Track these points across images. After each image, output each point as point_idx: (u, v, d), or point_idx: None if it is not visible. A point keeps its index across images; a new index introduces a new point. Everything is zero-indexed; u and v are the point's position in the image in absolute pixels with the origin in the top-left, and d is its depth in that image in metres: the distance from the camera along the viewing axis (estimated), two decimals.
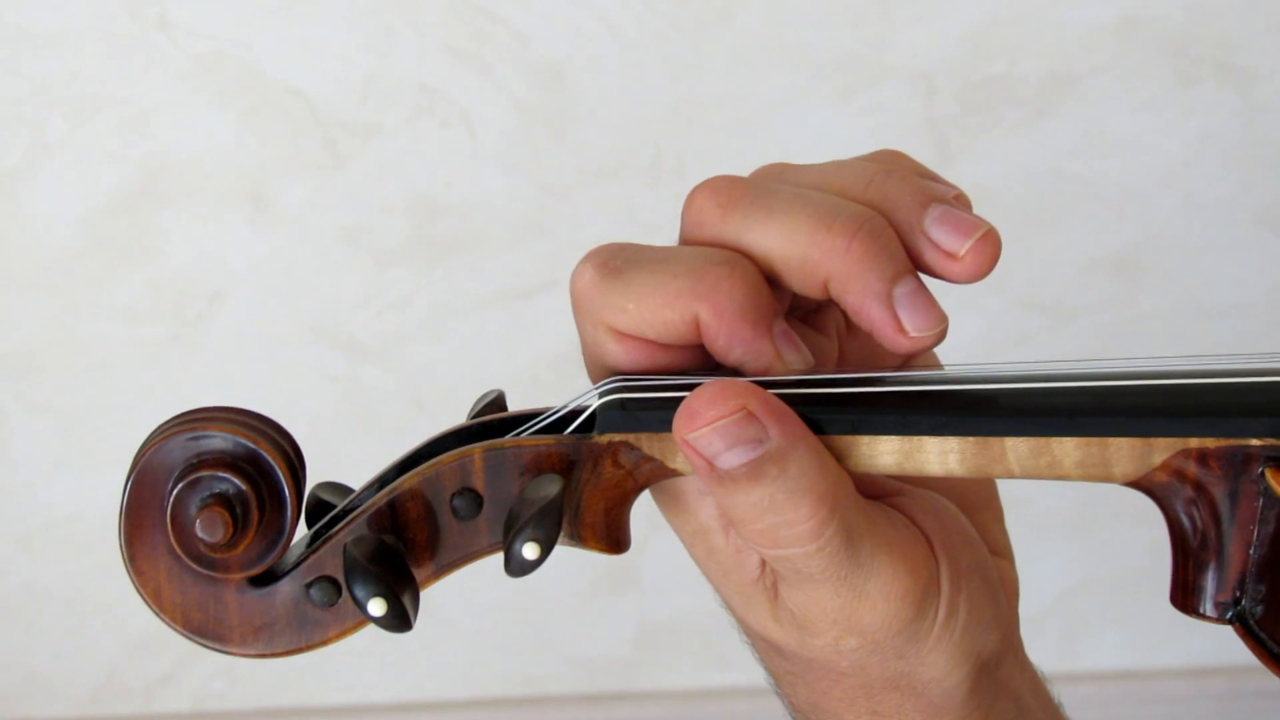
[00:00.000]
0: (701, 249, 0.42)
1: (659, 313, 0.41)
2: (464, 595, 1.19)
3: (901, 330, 0.40)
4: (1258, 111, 1.09)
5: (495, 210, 1.08)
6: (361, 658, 1.21)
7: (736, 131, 1.06)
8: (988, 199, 1.05)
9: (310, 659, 1.21)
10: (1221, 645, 1.26)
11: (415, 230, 1.08)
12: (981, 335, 1.11)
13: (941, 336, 0.41)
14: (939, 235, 0.41)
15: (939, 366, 0.49)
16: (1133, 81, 1.08)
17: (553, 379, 1.10)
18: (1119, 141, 1.10)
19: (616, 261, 0.42)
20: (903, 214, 0.41)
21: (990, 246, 0.41)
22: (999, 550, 0.48)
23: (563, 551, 1.26)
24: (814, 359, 0.45)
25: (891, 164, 0.43)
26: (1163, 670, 1.26)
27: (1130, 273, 1.13)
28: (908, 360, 0.48)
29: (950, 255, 0.41)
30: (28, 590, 1.16)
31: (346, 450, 1.10)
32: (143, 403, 1.10)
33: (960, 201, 0.42)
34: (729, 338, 0.41)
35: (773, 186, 0.42)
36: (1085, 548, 1.22)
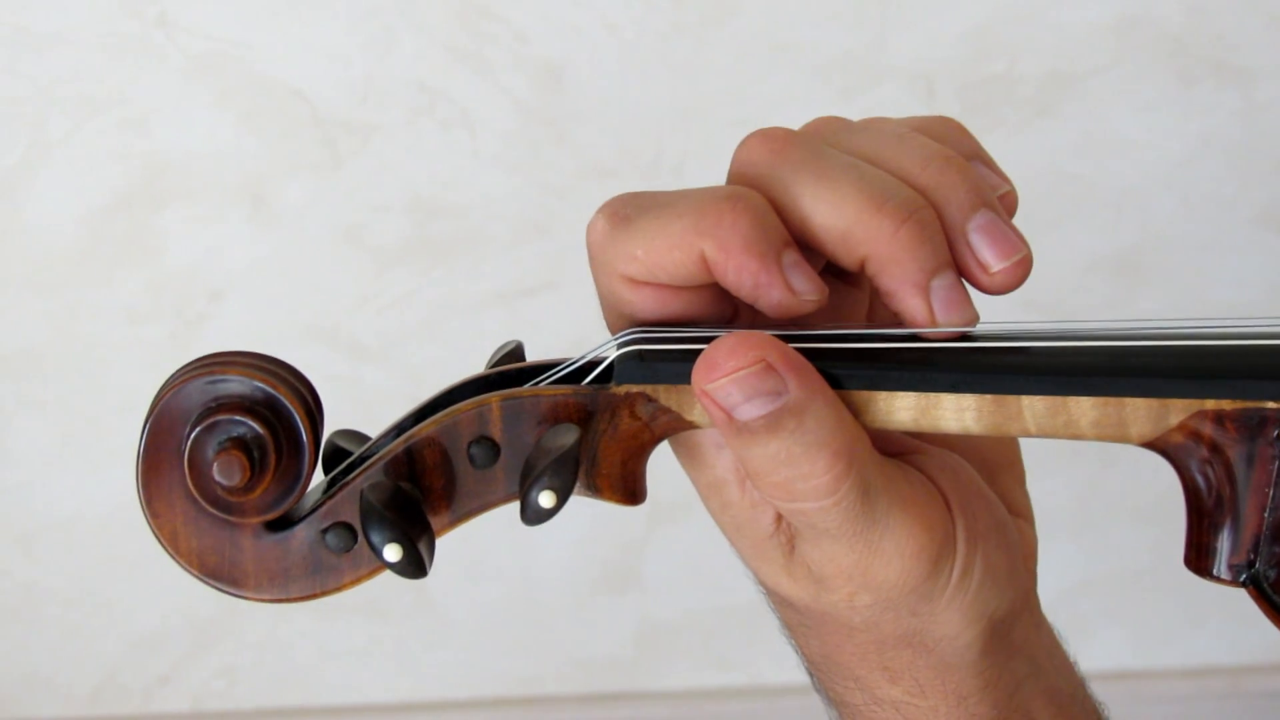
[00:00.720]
0: (706, 188, 0.42)
1: (668, 254, 0.41)
2: (464, 595, 1.19)
3: (932, 321, 0.41)
4: (1258, 111, 1.09)
5: (495, 210, 1.08)
6: (361, 658, 1.21)
7: (736, 131, 1.06)
8: None
9: (310, 659, 1.21)
10: (1222, 645, 1.26)
11: (415, 230, 1.08)
12: None
13: (971, 326, 0.41)
14: (979, 244, 0.41)
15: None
16: (1133, 81, 1.08)
17: None
18: (1119, 141, 1.10)
19: (626, 210, 0.42)
20: (952, 209, 0.41)
21: (1022, 270, 0.41)
22: (1019, 511, 0.48)
23: (563, 552, 1.26)
24: (842, 313, 0.46)
25: (948, 141, 0.43)
26: (1163, 670, 1.26)
27: (1130, 273, 1.13)
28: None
29: (983, 267, 0.41)
30: (28, 590, 1.16)
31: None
32: (143, 403, 1.10)
33: (1008, 200, 0.42)
34: (737, 272, 0.40)
35: (827, 151, 0.42)
36: (1085, 548, 1.22)
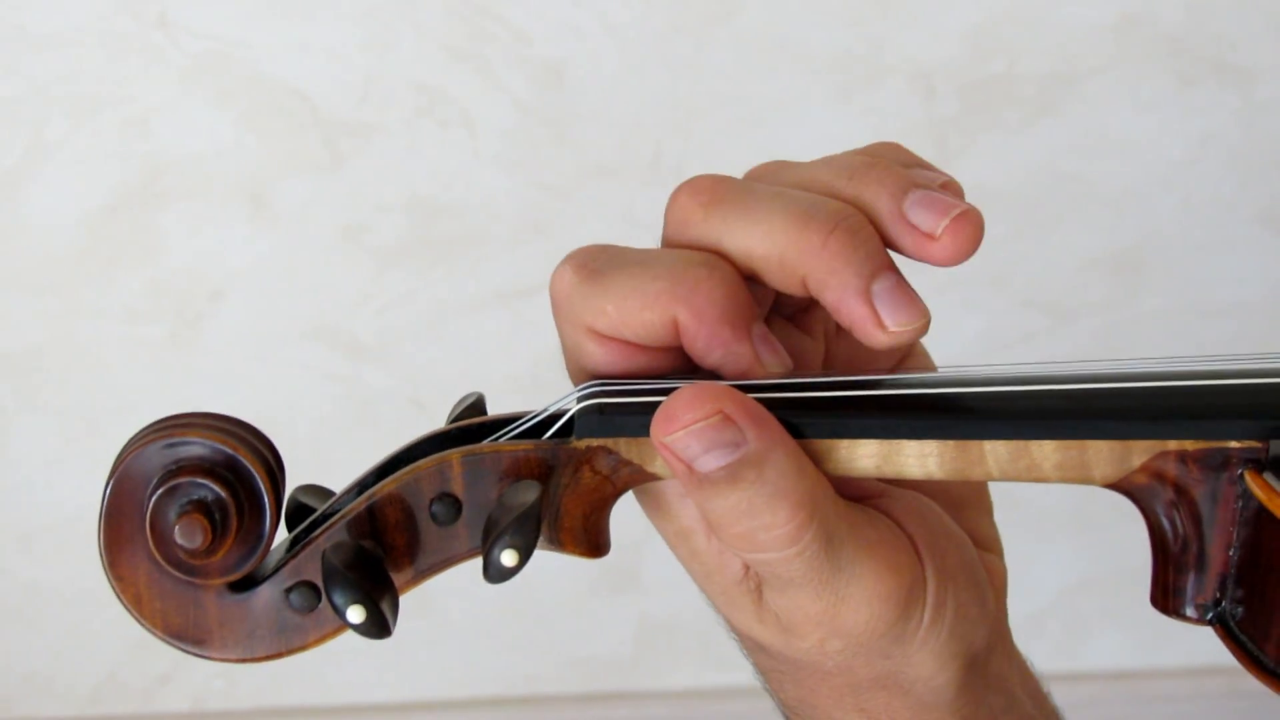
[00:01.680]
0: (681, 251, 0.42)
1: (638, 314, 0.41)
2: (464, 595, 1.19)
3: (881, 325, 0.40)
4: (1258, 111, 1.09)
5: (495, 210, 1.08)
6: (361, 658, 1.21)
7: (736, 131, 1.06)
8: (988, 199, 1.05)
9: (310, 659, 1.21)
10: (1222, 645, 1.26)
11: (415, 230, 1.08)
12: (982, 335, 1.11)
13: (922, 331, 0.41)
14: (916, 217, 0.40)
15: (933, 367, 0.48)
16: (1133, 81, 1.08)
17: (553, 379, 1.09)
18: (1119, 141, 1.10)
19: (596, 263, 0.42)
20: (884, 202, 0.41)
21: (968, 226, 0.40)
22: (987, 545, 0.48)
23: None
24: (799, 360, 0.45)
25: (880, 155, 0.43)
26: (1163, 670, 1.26)
27: (1130, 273, 1.13)
28: (901, 362, 0.48)
29: (928, 236, 0.40)
30: (28, 590, 1.16)
31: (346, 450, 1.10)
32: (143, 403, 1.10)
33: (948, 189, 0.42)
34: (708, 340, 0.40)
35: (753, 186, 0.42)
36: (1085, 547, 1.22)
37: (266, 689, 1.21)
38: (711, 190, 0.42)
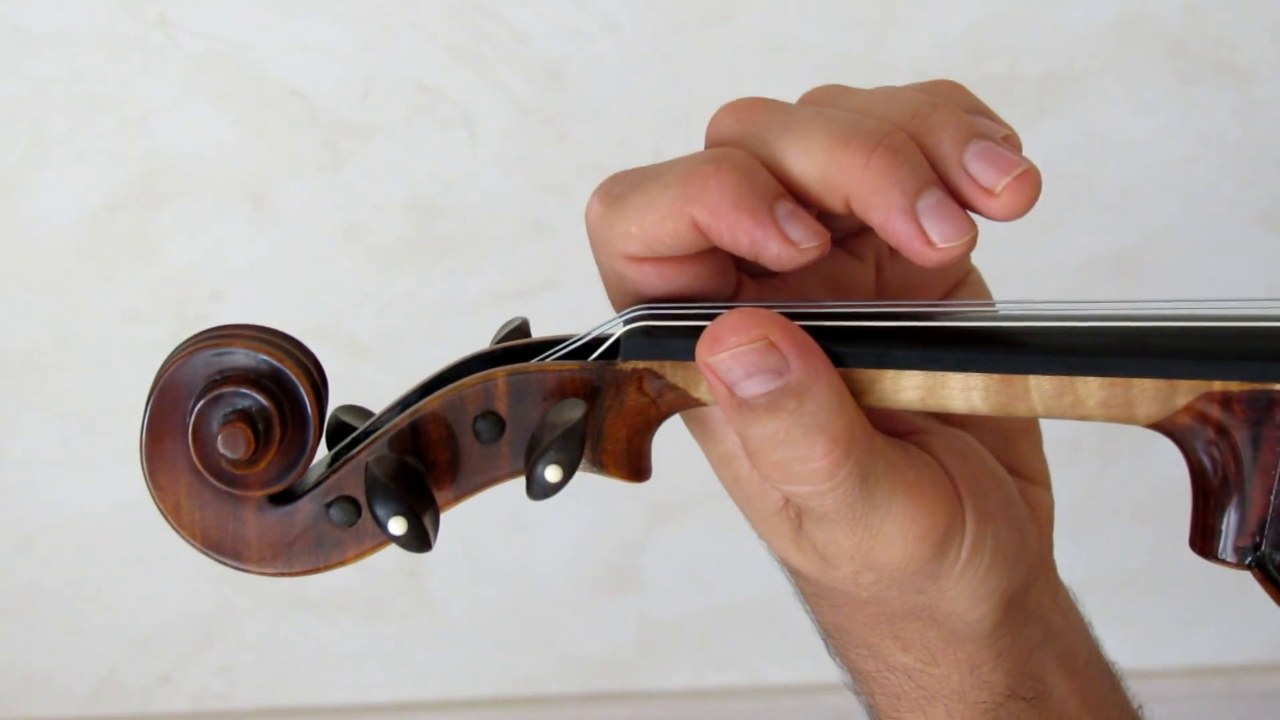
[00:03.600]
0: (691, 154, 0.41)
1: (660, 226, 0.40)
2: (464, 595, 1.19)
3: (929, 243, 0.39)
4: (1258, 111, 1.09)
5: (495, 210, 1.08)
6: (361, 658, 1.21)
7: None
8: None
9: (310, 659, 1.21)
10: (1221, 645, 1.26)
11: (415, 230, 1.08)
12: None
13: (971, 245, 0.40)
14: (977, 170, 0.40)
15: (988, 297, 0.48)
16: (1133, 81, 1.08)
17: None
18: (1119, 141, 1.10)
19: (617, 189, 0.41)
20: (945, 147, 0.40)
21: (1028, 185, 0.39)
22: (1036, 478, 0.48)
23: (563, 551, 1.26)
24: (849, 287, 0.45)
25: (942, 96, 0.42)
26: (1163, 670, 1.26)
27: (1130, 273, 1.13)
28: (953, 291, 0.47)
29: (987, 191, 0.39)
30: (28, 590, 1.16)
31: None
32: (143, 403, 1.10)
33: (1009, 142, 0.41)
34: (731, 231, 0.40)
35: (795, 107, 0.42)
36: (1085, 548, 1.22)
37: (266, 689, 1.21)
38: (750, 108, 0.42)
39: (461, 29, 1.03)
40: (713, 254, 0.42)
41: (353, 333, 1.10)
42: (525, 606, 1.21)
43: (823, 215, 0.42)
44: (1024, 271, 1.10)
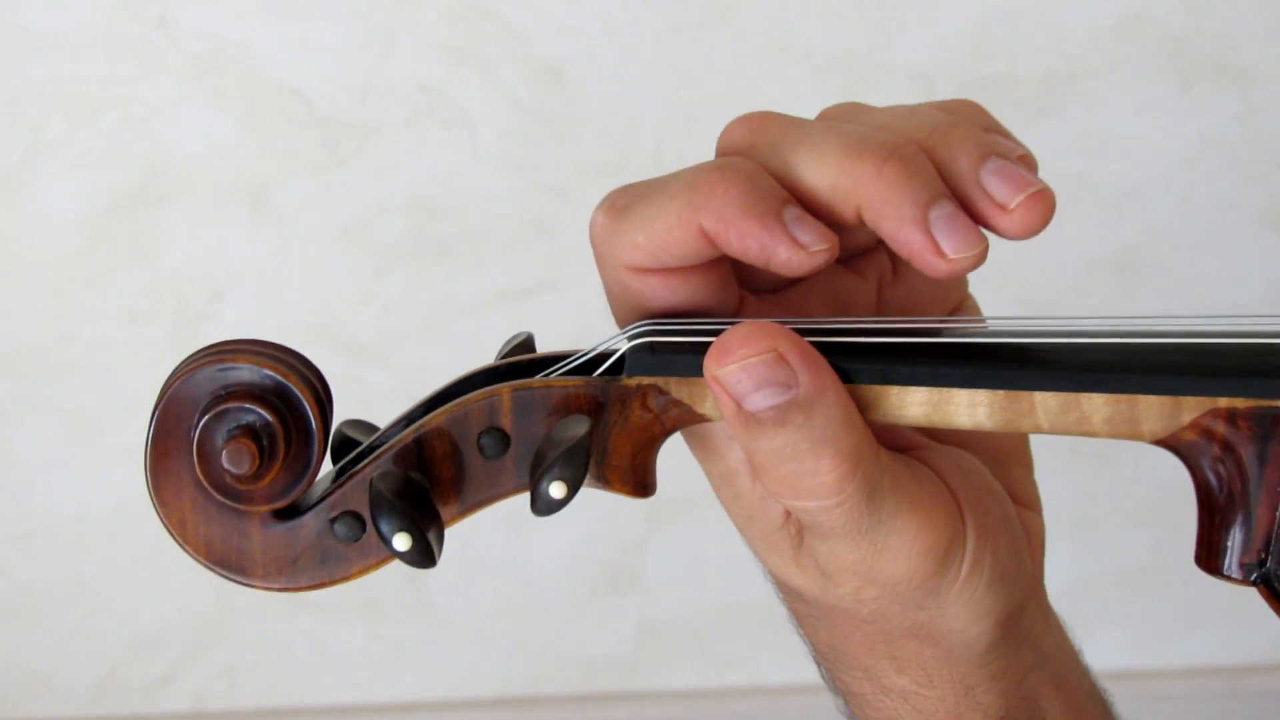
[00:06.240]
0: (697, 164, 0.41)
1: (667, 235, 0.40)
2: (463, 595, 1.19)
3: (940, 254, 0.39)
4: (1258, 111, 1.09)
5: (495, 210, 1.08)
6: (361, 658, 1.21)
7: None
8: None
9: (310, 659, 1.21)
10: (1221, 645, 1.26)
11: (415, 230, 1.08)
12: None
13: (982, 258, 0.40)
14: (992, 185, 0.40)
15: (978, 312, 0.49)
16: (1133, 81, 1.08)
17: None
18: (1119, 141, 1.10)
19: (623, 200, 0.42)
20: (962, 164, 0.40)
21: (1042, 205, 0.40)
22: (1028, 502, 0.49)
23: (564, 552, 1.26)
24: (851, 305, 0.45)
25: (961, 114, 0.42)
26: (1163, 670, 1.26)
27: (1130, 273, 1.13)
28: (953, 312, 0.48)
29: (1001, 207, 0.40)
30: (28, 590, 1.16)
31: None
32: (143, 403, 1.10)
33: (1025, 161, 0.41)
34: (739, 237, 0.40)
35: (807, 120, 0.42)
36: (1085, 548, 1.22)
37: (266, 689, 1.21)
38: (762, 121, 0.42)
39: (461, 29, 1.03)
40: (717, 266, 0.42)
41: (353, 333, 1.10)
42: (525, 606, 1.21)
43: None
44: (1024, 271, 1.10)
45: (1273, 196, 1.12)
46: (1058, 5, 1.05)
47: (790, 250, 0.40)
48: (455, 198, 1.07)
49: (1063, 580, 1.24)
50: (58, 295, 1.08)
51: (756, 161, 0.41)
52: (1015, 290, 1.11)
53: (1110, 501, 1.19)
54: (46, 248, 1.06)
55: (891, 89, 1.06)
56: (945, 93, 1.07)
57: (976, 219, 0.40)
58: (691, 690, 1.24)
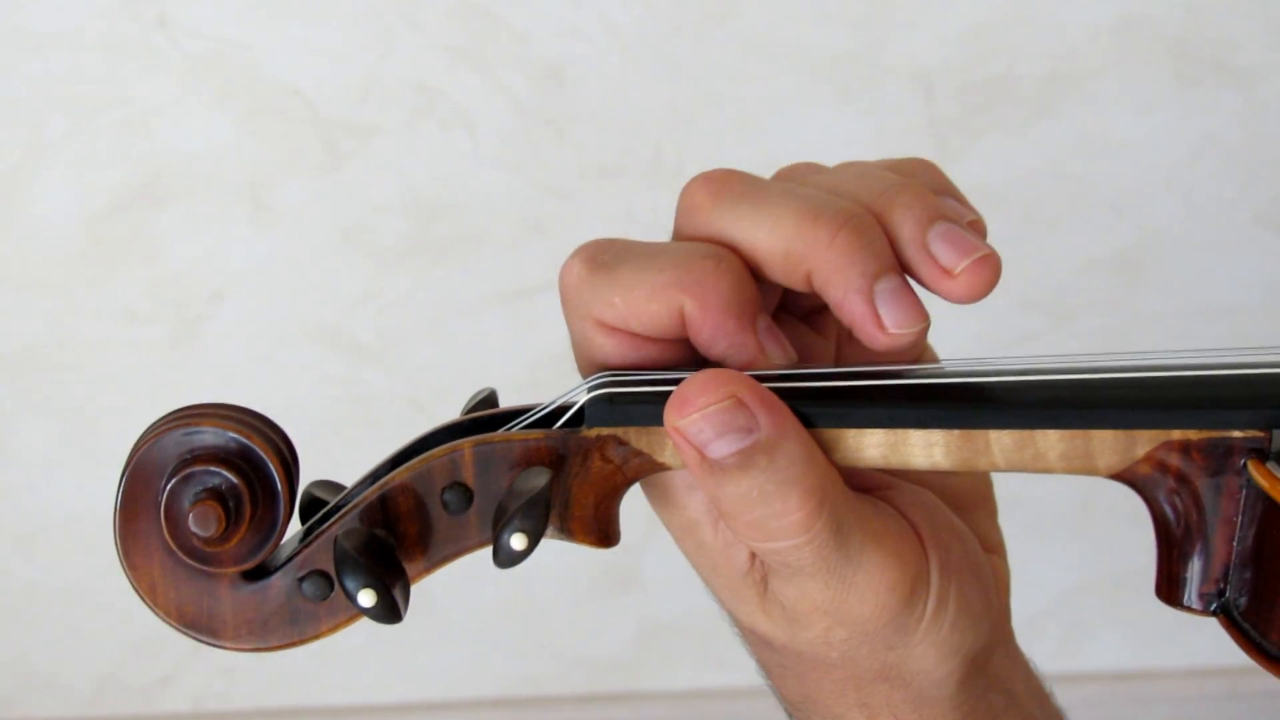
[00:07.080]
0: (689, 243, 0.42)
1: (645, 305, 0.41)
2: (464, 595, 1.19)
3: (880, 325, 0.40)
4: (1258, 111, 1.09)
5: (495, 210, 1.08)
6: (361, 658, 1.21)
7: (736, 131, 1.06)
8: (988, 199, 1.05)
9: (310, 659, 1.21)
10: (1222, 646, 1.26)
11: (415, 230, 1.08)
12: (981, 335, 1.11)
13: (921, 335, 0.41)
14: (938, 250, 0.41)
15: (936, 361, 0.49)
16: (1133, 82, 1.08)
17: (553, 379, 1.10)
18: (1119, 141, 1.10)
19: (604, 256, 0.42)
20: (908, 227, 0.41)
21: (987, 270, 0.41)
22: (992, 546, 0.48)
23: (563, 552, 1.26)
24: (810, 359, 0.46)
25: (913, 175, 0.43)
26: (1163, 670, 1.26)
27: (1130, 273, 1.13)
28: (912, 362, 0.48)
29: (946, 271, 0.41)
30: (28, 590, 1.16)
31: (346, 450, 1.11)
32: (143, 403, 1.10)
33: (974, 227, 0.42)
34: (714, 331, 0.41)
35: (766, 182, 0.43)
36: (1085, 548, 1.22)
37: (266, 689, 1.21)
38: (723, 181, 0.42)
39: (461, 29, 1.03)
40: (681, 341, 0.42)
41: (353, 333, 1.10)
42: (525, 606, 1.21)
43: (786, 291, 0.43)
44: (1024, 272, 1.10)
45: (1273, 197, 1.12)
46: (1058, 5, 1.05)
47: (754, 356, 0.41)
48: (455, 198, 1.07)
49: (1063, 580, 1.24)
50: (58, 295, 1.08)
51: (742, 262, 0.41)
52: (1016, 291, 1.11)
53: (1110, 501, 1.19)
54: (46, 248, 1.06)
55: (892, 89, 1.06)
56: (945, 94, 1.07)
57: (922, 282, 0.41)
58: (691, 690, 1.24)
